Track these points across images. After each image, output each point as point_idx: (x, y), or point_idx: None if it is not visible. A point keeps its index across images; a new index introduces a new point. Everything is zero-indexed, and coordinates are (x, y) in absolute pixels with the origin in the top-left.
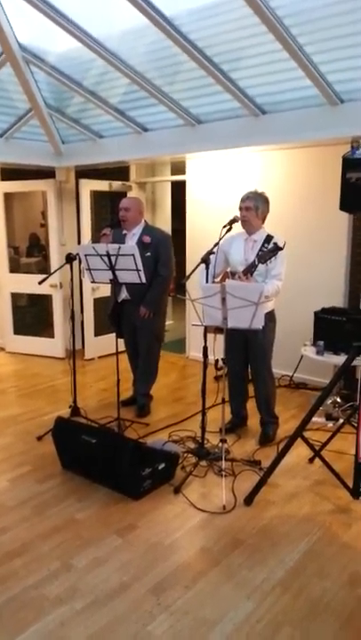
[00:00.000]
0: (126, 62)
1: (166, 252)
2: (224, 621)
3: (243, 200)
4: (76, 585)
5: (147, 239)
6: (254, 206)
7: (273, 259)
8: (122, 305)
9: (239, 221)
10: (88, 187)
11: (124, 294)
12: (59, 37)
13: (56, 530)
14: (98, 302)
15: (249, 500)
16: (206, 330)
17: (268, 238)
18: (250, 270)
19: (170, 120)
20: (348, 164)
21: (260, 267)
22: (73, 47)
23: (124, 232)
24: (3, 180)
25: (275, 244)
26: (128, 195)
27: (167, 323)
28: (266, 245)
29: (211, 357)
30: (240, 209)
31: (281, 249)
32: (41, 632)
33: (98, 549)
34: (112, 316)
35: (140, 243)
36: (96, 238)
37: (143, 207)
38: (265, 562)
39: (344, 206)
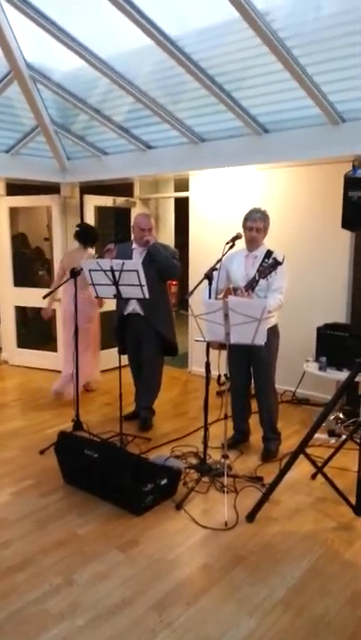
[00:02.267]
0: (131, 81)
1: (174, 256)
2: (226, 639)
3: (253, 220)
4: (78, 600)
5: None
6: (264, 227)
7: (273, 273)
8: (128, 318)
9: (242, 238)
10: (92, 202)
11: (131, 307)
12: (65, 56)
13: (58, 544)
14: (101, 316)
15: (251, 517)
16: (210, 345)
17: (269, 253)
18: (251, 286)
19: (173, 138)
20: (350, 182)
21: (262, 282)
22: (78, 66)
23: (133, 247)
24: (8, 194)
25: (274, 258)
26: (132, 211)
27: None
28: (266, 261)
29: (214, 372)
30: (250, 229)
31: (280, 263)
32: None
33: (100, 564)
34: (117, 331)
35: (148, 258)
36: (100, 253)
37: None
38: (267, 579)
39: (346, 224)
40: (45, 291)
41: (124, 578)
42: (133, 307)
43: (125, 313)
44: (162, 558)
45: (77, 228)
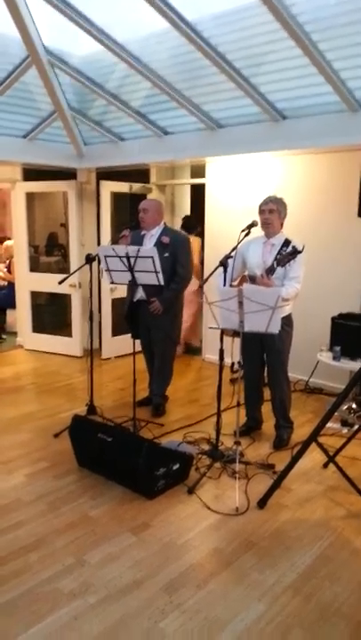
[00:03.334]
0: (148, 66)
1: (184, 252)
2: (235, 622)
3: (265, 203)
4: (90, 580)
5: (165, 240)
6: (277, 209)
7: (292, 262)
8: (138, 305)
9: (258, 225)
10: (108, 188)
11: (139, 294)
12: (82, 40)
13: (71, 526)
14: (116, 302)
15: (262, 503)
16: (224, 333)
17: (287, 242)
18: (269, 273)
19: (190, 124)
20: None
21: (279, 270)
22: (96, 50)
23: (143, 233)
24: (25, 180)
25: (294, 247)
26: (148, 197)
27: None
28: (284, 249)
29: (227, 360)
30: (262, 212)
31: (300, 252)
32: (55, 625)
33: (111, 546)
34: (128, 316)
35: (158, 243)
36: (115, 239)
37: (162, 209)
38: (277, 565)
39: None
40: (61, 276)
41: (135, 560)
42: (141, 293)
43: (135, 300)
44: (173, 542)
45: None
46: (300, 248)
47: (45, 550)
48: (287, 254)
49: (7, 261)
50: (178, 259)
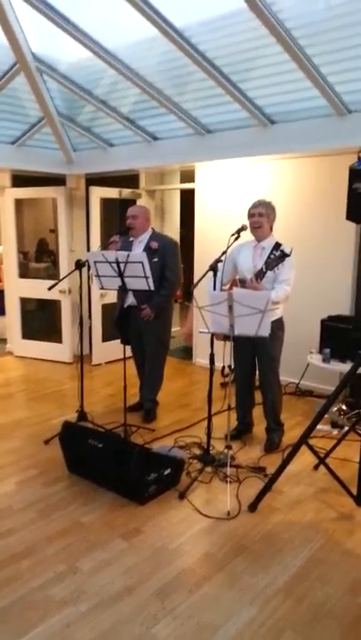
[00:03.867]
0: (137, 72)
1: (173, 257)
2: (227, 626)
3: (254, 206)
4: (82, 587)
5: (154, 245)
6: (266, 213)
7: (280, 265)
8: (128, 311)
9: (247, 230)
10: (98, 194)
11: (130, 300)
12: (71, 47)
13: (62, 533)
14: (106, 308)
15: (253, 507)
16: (214, 337)
17: (277, 245)
18: (258, 277)
19: (179, 129)
20: (355, 174)
21: (269, 274)
22: (84, 57)
23: (131, 239)
24: (14, 186)
25: (282, 251)
26: (137, 202)
27: (174, 329)
28: (274, 252)
29: (218, 364)
30: (252, 215)
31: (288, 256)
32: (46, 633)
33: (103, 553)
34: (118, 322)
35: (147, 249)
36: (105, 245)
37: (150, 215)
38: (268, 568)
39: (350, 216)
40: (51, 282)
41: (126, 566)
42: (131, 299)
43: (125, 305)
44: (164, 547)
45: None
46: (288, 251)
47: (36, 558)
48: (276, 258)
49: None
50: (167, 264)
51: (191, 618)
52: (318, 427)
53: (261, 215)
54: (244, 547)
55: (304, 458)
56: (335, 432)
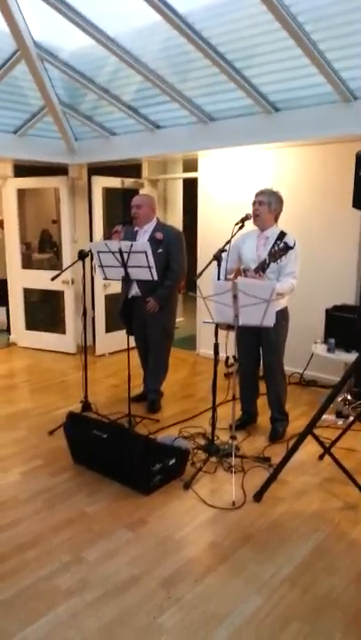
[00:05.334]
0: (139, 59)
1: (178, 248)
2: (233, 615)
3: (256, 195)
4: (87, 577)
5: (159, 235)
6: (267, 202)
7: (284, 257)
8: (132, 301)
9: (251, 219)
10: (100, 183)
11: (134, 290)
12: (72, 34)
13: (67, 523)
14: (109, 299)
15: (258, 497)
16: (218, 327)
17: (281, 235)
18: (262, 268)
19: (182, 117)
20: None
21: (273, 265)
22: (86, 44)
23: (136, 229)
24: (16, 176)
25: (285, 242)
26: (140, 192)
27: (178, 320)
28: (278, 242)
29: (222, 354)
30: (253, 204)
31: (291, 248)
32: (53, 622)
33: (108, 543)
34: (122, 312)
35: (151, 239)
36: (108, 235)
37: (155, 204)
38: (274, 557)
39: (357, 204)
40: (54, 273)
41: (132, 556)
42: (136, 290)
43: (129, 296)
44: (170, 537)
45: None
46: (291, 243)
47: (42, 548)
48: (279, 249)
49: None
50: (171, 254)
51: (197, 607)
52: (323, 416)
53: (262, 203)
54: (249, 536)
55: (309, 448)
56: (340, 422)
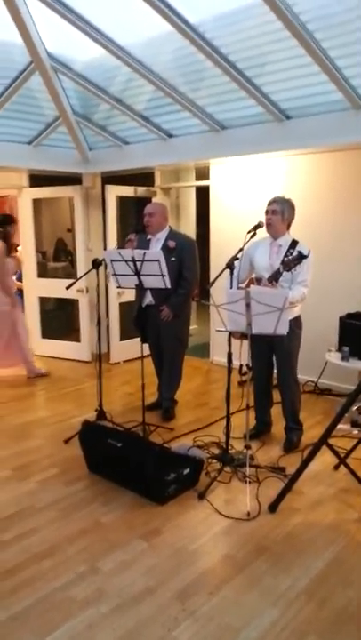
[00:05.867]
0: (151, 69)
1: (191, 256)
2: (248, 629)
3: (269, 203)
4: (103, 588)
5: (172, 244)
6: (280, 210)
7: (298, 266)
8: (146, 310)
9: (264, 227)
10: (114, 192)
11: (148, 299)
12: (85, 46)
13: (83, 532)
14: (123, 307)
15: (273, 507)
16: (231, 335)
17: (294, 243)
18: (275, 277)
19: (194, 126)
20: None
21: (286, 273)
22: (99, 55)
23: (149, 237)
24: (31, 186)
25: (299, 252)
26: (153, 200)
27: (191, 327)
28: (291, 251)
29: (235, 362)
30: (266, 212)
31: (305, 257)
32: (69, 634)
33: (124, 553)
34: (136, 321)
35: (165, 247)
36: (122, 244)
37: (167, 212)
38: (289, 569)
39: None
40: (69, 281)
41: (147, 567)
42: (150, 298)
43: (143, 304)
44: (184, 548)
45: None
46: (305, 252)
47: (58, 558)
48: (293, 259)
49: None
50: (184, 262)
51: (212, 620)
52: (338, 426)
53: (275, 212)
54: (264, 548)
55: (324, 458)
56: (356, 431)
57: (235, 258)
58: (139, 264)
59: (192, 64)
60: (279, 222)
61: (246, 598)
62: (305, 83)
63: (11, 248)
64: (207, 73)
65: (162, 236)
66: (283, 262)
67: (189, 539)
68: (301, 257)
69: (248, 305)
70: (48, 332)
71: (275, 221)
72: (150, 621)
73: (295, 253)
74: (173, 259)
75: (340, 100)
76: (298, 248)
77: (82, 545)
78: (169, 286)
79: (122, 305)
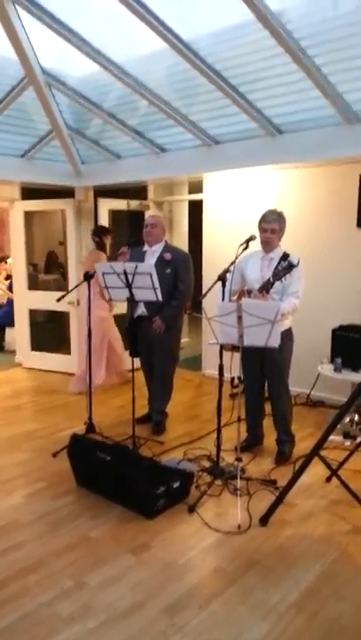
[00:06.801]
0: (145, 85)
1: (185, 268)
2: None
3: (268, 222)
4: (90, 603)
5: (167, 256)
6: (279, 228)
7: (288, 276)
8: (138, 321)
9: (256, 240)
10: (106, 206)
11: (140, 310)
12: (79, 61)
13: (70, 547)
14: (114, 319)
15: (264, 520)
16: (223, 348)
17: (285, 256)
18: (266, 288)
19: (187, 141)
20: None
21: (277, 284)
22: (93, 70)
23: (144, 249)
24: (23, 199)
25: (289, 261)
26: (147, 213)
27: (183, 340)
28: (282, 263)
29: (227, 375)
30: (264, 230)
31: (295, 266)
32: None
33: (111, 568)
34: (128, 332)
35: (160, 260)
36: (114, 256)
37: (165, 225)
38: (280, 583)
39: None
40: (60, 294)
41: (135, 581)
42: (142, 309)
43: (135, 316)
44: (174, 562)
45: None
46: (295, 262)
47: (44, 572)
48: (283, 269)
49: (10, 280)
50: (179, 275)
51: (202, 635)
52: (330, 437)
53: (274, 232)
54: (255, 561)
55: (316, 470)
56: (348, 443)
57: (227, 270)
58: (130, 277)
59: (186, 80)
60: (276, 240)
61: (236, 612)
62: (298, 98)
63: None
64: (201, 89)
65: (158, 248)
66: (274, 273)
67: (179, 553)
68: (291, 266)
69: (240, 317)
70: (38, 344)
71: (273, 239)
72: (138, 637)
73: (285, 263)
74: (168, 270)
75: (332, 115)
76: (289, 259)
77: (69, 560)
78: (160, 299)
79: (113, 317)
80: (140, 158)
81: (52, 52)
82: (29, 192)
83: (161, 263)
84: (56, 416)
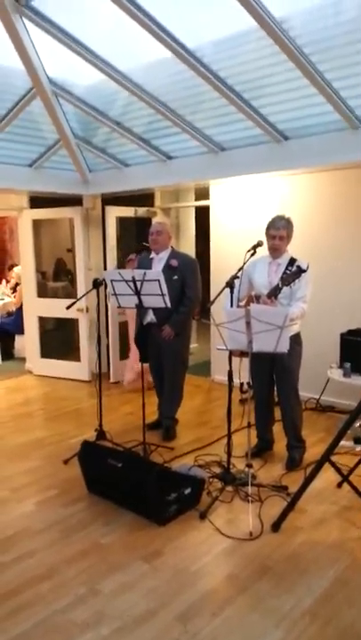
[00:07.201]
0: (150, 93)
1: (193, 275)
2: None
3: (276, 228)
4: (103, 610)
5: (174, 262)
6: (287, 234)
7: (297, 281)
8: (148, 328)
9: (263, 245)
10: (114, 213)
11: (149, 317)
12: (85, 71)
13: (82, 554)
14: (123, 326)
15: (276, 526)
16: (232, 353)
17: (292, 261)
18: (274, 293)
19: (193, 148)
20: None
21: (285, 289)
22: (99, 80)
23: (151, 256)
24: (31, 207)
25: (298, 266)
26: (153, 220)
27: (192, 346)
28: (290, 268)
29: (236, 380)
30: (272, 237)
31: (304, 271)
32: None
33: (124, 575)
34: (138, 339)
35: (167, 266)
36: (122, 264)
37: (171, 232)
38: (293, 589)
39: None
40: (69, 301)
41: (148, 588)
42: (151, 316)
43: (145, 323)
44: (186, 569)
45: None
46: (304, 267)
47: (57, 580)
48: (292, 274)
49: (16, 286)
50: (186, 281)
51: None
52: (341, 443)
53: (282, 239)
54: (267, 568)
55: (327, 475)
56: (358, 448)
57: (235, 276)
58: (139, 284)
59: (191, 87)
60: (284, 246)
61: (249, 619)
62: (302, 104)
63: None
64: (206, 96)
65: (164, 255)
66: (282, 278)
67: (191, 559)
68: (301, 271)
69: (248, 323)
70: (48, 351)
71: (281, 246)
72: None
73: (294, 268)
74: (176, 277)
75: (337, 121)
76: (297, 264)
77: (81, 567)
78: (169, 305)
79: (122, 324)
80: (146, 166)
81: (58, 62)
82: (38, 200)
83: (168, 270)
84: (66, 423)
